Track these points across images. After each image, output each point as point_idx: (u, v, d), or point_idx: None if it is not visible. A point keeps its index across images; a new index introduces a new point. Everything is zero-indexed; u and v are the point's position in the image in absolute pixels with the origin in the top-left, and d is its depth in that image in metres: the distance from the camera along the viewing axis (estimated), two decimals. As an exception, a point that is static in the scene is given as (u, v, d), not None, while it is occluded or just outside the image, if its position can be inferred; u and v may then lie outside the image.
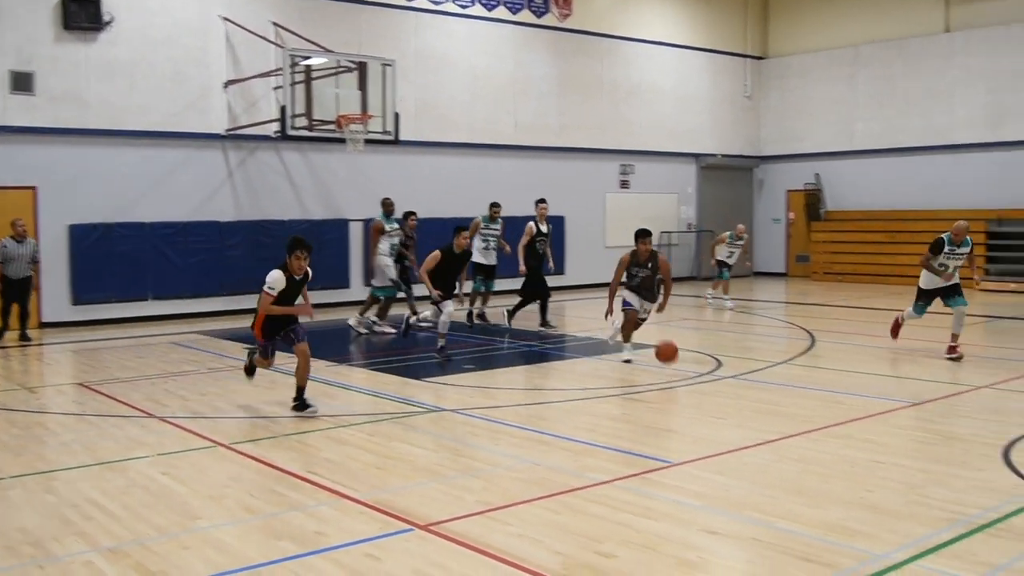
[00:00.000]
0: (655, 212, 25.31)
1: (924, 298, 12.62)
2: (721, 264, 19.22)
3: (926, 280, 12.55)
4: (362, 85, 17.30)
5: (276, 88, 17.36)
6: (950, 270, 12.30)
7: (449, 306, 12.33)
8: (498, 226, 16.07)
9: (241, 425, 8.71)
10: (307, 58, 16.96)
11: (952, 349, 12.08)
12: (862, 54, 26.07)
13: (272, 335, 9.26)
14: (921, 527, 5.72)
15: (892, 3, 25.54)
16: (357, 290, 19.40)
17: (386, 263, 15.10)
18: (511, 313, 15.49)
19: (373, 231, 15.32)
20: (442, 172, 20.95)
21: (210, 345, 14.13)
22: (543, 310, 15.43)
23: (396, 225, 15.34)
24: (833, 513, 6.00)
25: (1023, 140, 23.01)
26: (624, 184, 24.79)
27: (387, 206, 15.40)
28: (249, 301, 17.92)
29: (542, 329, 15.10)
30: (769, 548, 5.42)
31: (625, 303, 12.11)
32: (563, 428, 8.42)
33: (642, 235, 12.07)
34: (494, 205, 16.17)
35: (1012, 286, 21.75)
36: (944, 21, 24.60)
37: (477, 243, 15.71)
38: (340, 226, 19.42)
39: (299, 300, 9.24)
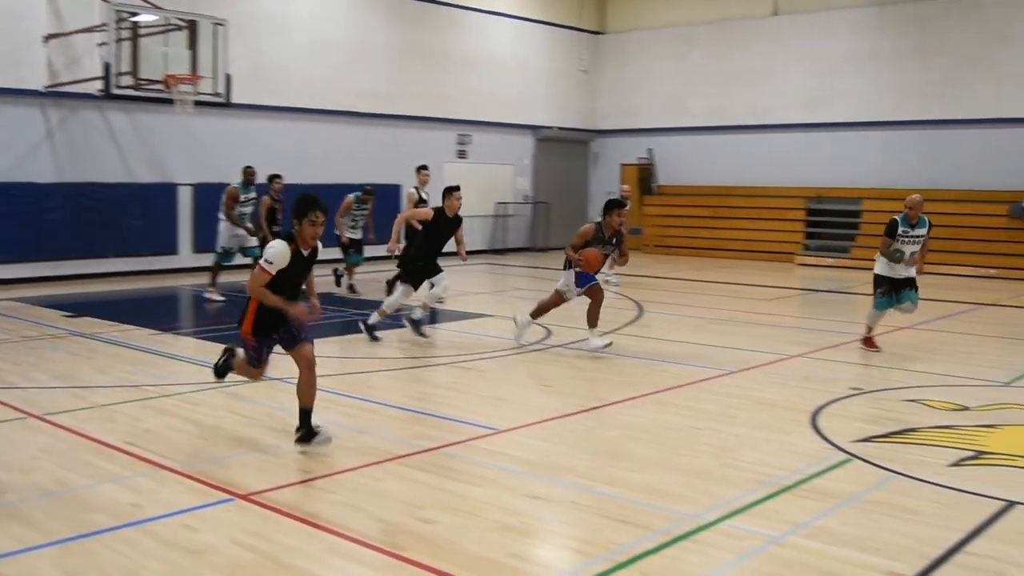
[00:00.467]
0: (492, 183, 25.49)
1: (884, 285, 10.99)
2: None
3: (884, 266, 11.03)
4: (192, 44, 16.72)
5: (100, 44, 16.56)
6: (907, 256, 10.87)
7: (444, 280, 11.36)
8: (367, 207, 15.87)
9: (56, 395, 8.35)
10: (134, 14, 16.27)
11: (869, 341, 11.14)
12: (695, 34, 26.78)
13: (267, 333, 6.76)
14: (732, 489, 5.98)
15: (723, -15, 26.38)
16: (186, 257, 18.86)
17: (233, 232, 14.69)
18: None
19: (228, 197, 14.72)
20: (277, 137, 20.47)
21: (26, 313, 13.47)
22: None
23: (253, 195, 14.90)
24: (650, 477, 6.21)
25: (841, 122, 24.16)
26: (462, 154, 24.82)
27: (248, 175, 14.88)
28: (70, 267, 17.28)
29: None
30: (587, 511, 5.57)
31: (583, 276, 10.68)
32: (392, 396, 8.41)
33: (617, 206, 10.59)
34: (368, 191, 15.88)
35: (828, 261, 22.87)
36: (772, 5, 25.51)
37: (346, 221, 15.68)
38: (168, 190, 18.77)
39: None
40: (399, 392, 8.74)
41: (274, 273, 6.44)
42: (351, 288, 16.08)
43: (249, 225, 14.85)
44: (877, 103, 23.70)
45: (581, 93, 28.48)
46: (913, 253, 10.89)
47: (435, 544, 4.97)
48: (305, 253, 6.62)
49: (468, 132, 24.97)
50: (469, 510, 5.48)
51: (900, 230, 10.75)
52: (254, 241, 14.82)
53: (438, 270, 11.37)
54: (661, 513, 5.52)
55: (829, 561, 4.86)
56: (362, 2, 22.26)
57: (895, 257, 10.74)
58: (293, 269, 6.55)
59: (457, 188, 11.41)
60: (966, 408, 8.27)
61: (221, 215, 14.76)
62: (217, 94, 16.99)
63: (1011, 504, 5.76)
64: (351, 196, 15.84)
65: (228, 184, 15.05)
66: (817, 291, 18.12)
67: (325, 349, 11.01)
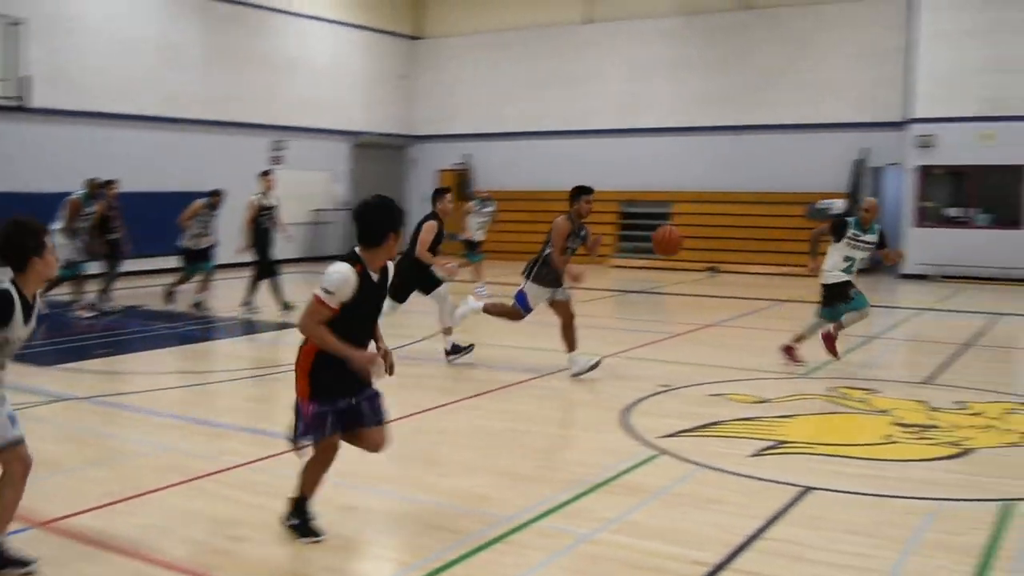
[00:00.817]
0: (308, 189, 25.11)
1: (850, 288, 10.05)
2: (470, 244, 17.12)
3: (840, 273, 10.03)
4: (-17, 45, 15.90)
5: None
6: (855, 266, 10.04)
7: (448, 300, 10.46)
8: (217, 212, 14.95)
9: None
10: (-85, 13, 15.32)
11: (790, 351, 10.30)
12: (511, 40, 27.15)
13: (334, 395, 5.04)
14: (546, 489, 6.08)
15: (538, -8, 26.84)
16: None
17: (69, 244, 13.79)
18: (250, 290, 14.22)
19: (70, 209, 13.57)
20: (80, 143, 19.51)
21: None
22: (274, 289, 14.15)
23: (93, 209, 13.98)
24: (465, 481, 6.25)
25: (652, 127, 24.99)
26: (276, 160, 24.35)
27: (94, 187, 13.96)
28: None
29: (283, 310, 13.80)
30: (402, 519, 5.57)
31: (522, 299, 9.89)
32: (200, 411, 8.18)
33: (584, 192, 9.52)
34: (215, 193, 14.98)
35: (640, 262, 23.56)
36: (585, 13, 26.12)
37: (194, 229, 14.52)
38: (-41, 200, 17.67)
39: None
40: (207, 407, 8.50)
41: (335, 307, 4.84)
42: (198, 305, 14.46)
43: (87, 239, 13.92)
44: (686, 109, 24.63)
45: (398, 98, 28.42)
46: (862, 261, 10.12)
47: (246, 562, 4.87)
48: (375, 278, 5.03)
49: (283, 138, 24.52)
50: (281, 525, 5.37)
51: (851, 232, 9.91)
52: (80, 256, 13.94)
53: (437, 282, 10.51)
54: (476, 516, 5.56)
55: (637, 554, 5.00)
56: (171, 2, 21.57)
57: (814, 252, 10.05)
58: (363, 303, 4.94)
59: (448, 190, 10.73)
60: (766, 400, 8.68)
61: (57, 226, 13.79)
62: (13, 97, 16.15)
63: (807, 489, 6.07)
64: (200, 201, 14.86)
65: (43, 193, 14.22)
66: (629, 292, 18.64)
67: (125, 366, 10.62)
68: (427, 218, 10.27)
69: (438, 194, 10.57)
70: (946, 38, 20.90)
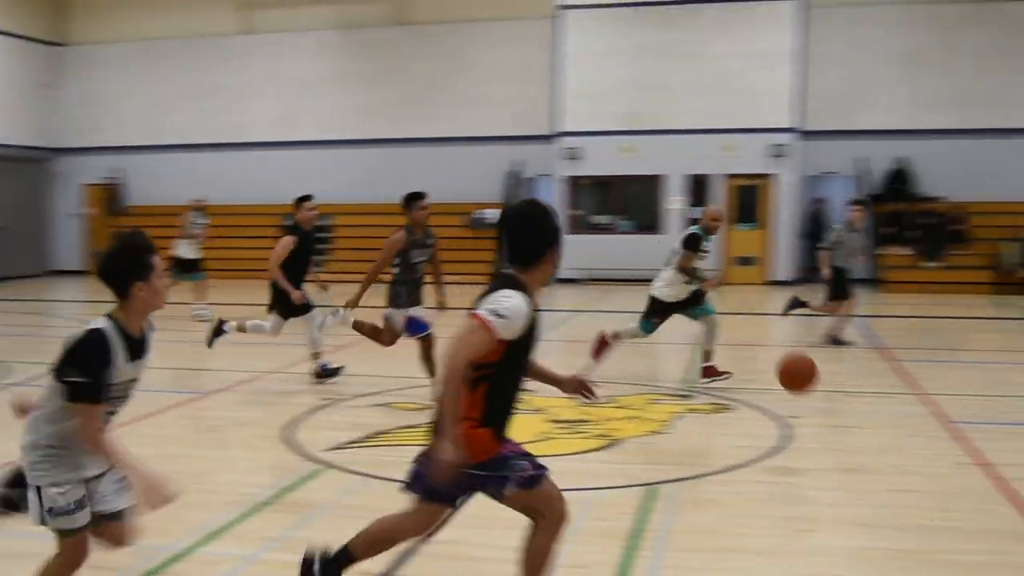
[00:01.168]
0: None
1: (661, 315, 9.90)
2: (185, 263, 15.95)
3: (670, 291, 9.74)
4: None
5: None
6: (697, 274, 9.74)
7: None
8: None
9: None
10: None
11: (711, 370, 9.71)
12: (166, 49, 26.00)
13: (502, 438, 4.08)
14: (207, 513, 5.84)
15: (194, 1, 25.86)
16: None
17: None
18: None
19: None
20: None
21: None
22: None
23: None
24: (116, 513, 5.87)
25: (312, 140, 24.86)
26: None
27: None
28: None
29: None
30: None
31: (415, 324, 9.22)
32: None
33: (418, 197, 9.03)
34: None
35: (323, 277, 23.29)
36: (242, 24, 25.50)
37: None
38: None
39: None
40: None
41: (500, 339, 3.72)
42: None
43: None
44: (345, 122, 24.71)
45: (39, 108, 26.39)
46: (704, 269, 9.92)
47: None
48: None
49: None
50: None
51: (702, 244, 9.64)
52: None
53: (309, 306, 10.08)
54: (131, 549, 5.22)
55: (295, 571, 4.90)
56: None
57: (698, 277, 9.64)
58: (531, 341, 3.93)
59: (309, 197, 10.21)
60: (429, 407, 8.80)
61: None
62: None
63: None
64: None
65: None
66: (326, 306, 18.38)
67: None
68: (288, 231, 9.98)
69: (298, 202, 10.20)
70: (590, 57, 22.39)
